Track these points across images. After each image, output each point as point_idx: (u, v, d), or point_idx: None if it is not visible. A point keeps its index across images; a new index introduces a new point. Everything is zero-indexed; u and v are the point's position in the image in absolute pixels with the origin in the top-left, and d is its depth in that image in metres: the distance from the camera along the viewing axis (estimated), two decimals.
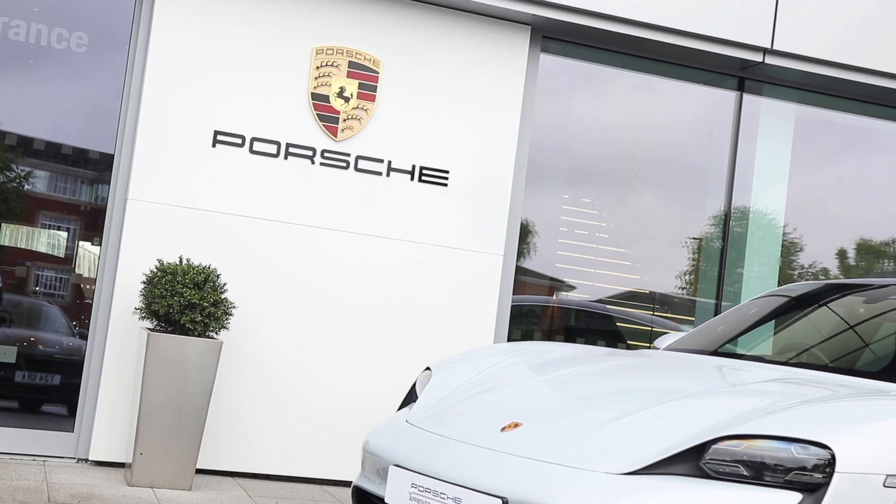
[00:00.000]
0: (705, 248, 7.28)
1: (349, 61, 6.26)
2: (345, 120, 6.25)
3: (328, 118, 6.22)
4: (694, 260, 7.32)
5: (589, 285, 7.18)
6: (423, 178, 6.40)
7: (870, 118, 7.56)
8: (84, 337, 6.04)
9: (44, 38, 5.96)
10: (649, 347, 5.17)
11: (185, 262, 5.60)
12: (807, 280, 7.43)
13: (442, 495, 3.34)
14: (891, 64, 7.01)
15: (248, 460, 6.04)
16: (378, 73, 6.31)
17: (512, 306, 6.72)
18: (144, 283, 5.58)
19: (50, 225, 6.34)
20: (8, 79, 5.99)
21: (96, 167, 6.23)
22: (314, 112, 6.20)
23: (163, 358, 5.36)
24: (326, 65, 6.21)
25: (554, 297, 7.21)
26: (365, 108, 6.29)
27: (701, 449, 3.10)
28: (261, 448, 6.06)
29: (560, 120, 7.14)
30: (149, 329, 5.53)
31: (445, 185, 6.44)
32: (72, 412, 5.96)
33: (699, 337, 4.82)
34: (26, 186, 6.22)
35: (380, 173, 6.32)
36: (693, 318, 7.22)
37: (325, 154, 6.23)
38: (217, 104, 6.04)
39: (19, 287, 6.25)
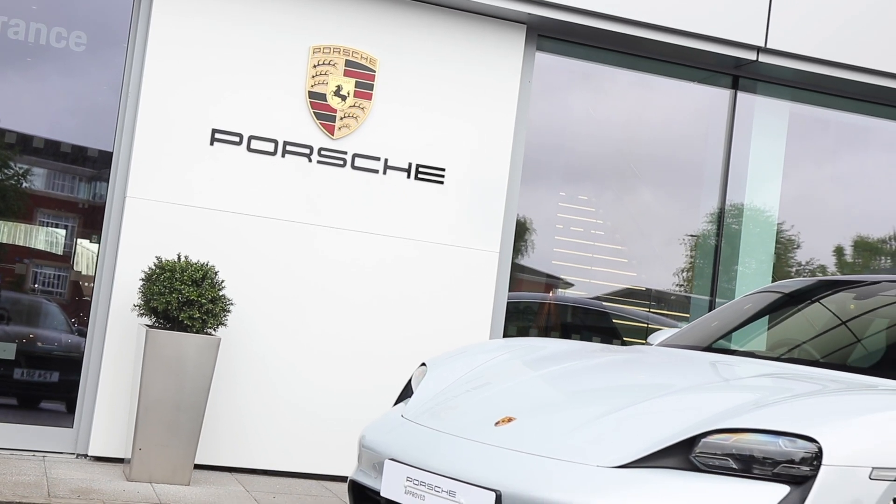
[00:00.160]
0: (700, 246, 7.33)
1: (346, 60, 6.30)
2: (342, 118, 6.29)
3: (325, 116, 6.26)
4: (689, 257, 7.37)
5: (585, 282, 7.22)
6: (420, 175, 6.45)
7: (863, 116, 7.60)
8: (82, 334, 6.07)
9: (43, 36, 6.00)
10: (643, 344, 5.22)
11: (183, 259, 5.64)
12: (804, 276, 7.48)
13: (436, 489, 3.39)
14: (884, 62, 7.05)
15: (245, 456, 6.09)
16: (374, 71, 6.35)
17: (508, 303, 6.76)
18: (143, 280, 5.62)
19: (48, 223, 6.38)
20: (7, 77, 6.02)
21: (95, 165, 6.26)
22: (311, 110, 6.24)
23: (161, 354, 5.40)
24: (323, 63, 6.26)
25: (550, 294, 7.25)
26: (362, 106, 6.33)
27: (691, 442, 3.16)
28: (258, 443, 6.10)
29: (557, 118, 7.18)
30: (147, 326, 5.57)
31: (442, 182, 6.48)
32: (70, 408, 5.99)
33: (692, 333, 4.87)
34: (25, 184, 6.26)
35: (376, 171, 6.36)
36: (688, 315, 7.26)
37: (323, 152, 6.27)
38: (215, 102, 6.08)
39: (18, 284, 6.28)
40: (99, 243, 6.05)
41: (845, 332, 4.72)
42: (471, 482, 3.30)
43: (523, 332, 7.08)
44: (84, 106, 6.27)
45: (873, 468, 3.05)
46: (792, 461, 3.05)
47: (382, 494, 3.61)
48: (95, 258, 6.11)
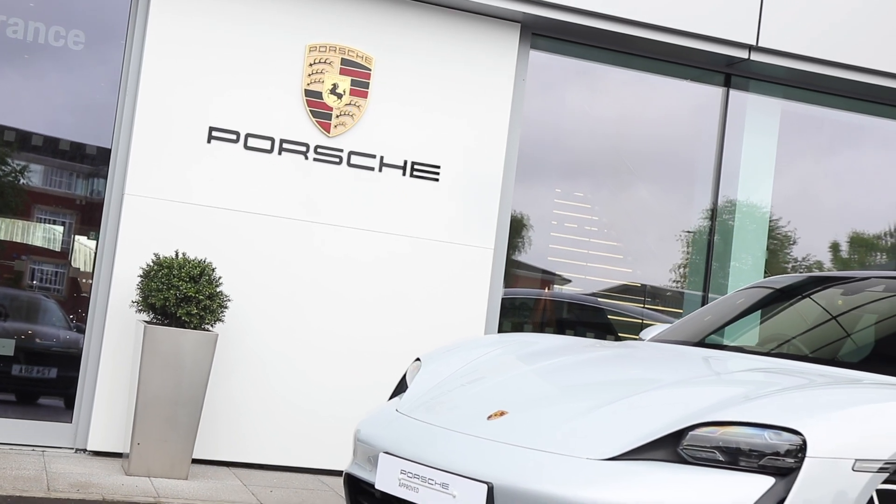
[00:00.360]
0: (694, 242, 7.38)
1: (342, 58, 6.35)
2: (337, 116, 6.34)
3: (321, 114, 6.31)
4: (683, 253, 7.42)
5: (581, 278, 7.26)
6: (415, 173, 6.50)
7: (856, 114, 7.66)
8: (81, 330, 6.12)
9: (41, 35, 6.04)
10: (636, 339, 5.28)
11: (181, 256, 5.69)
12: (800, 272, 7.53)
13: (430, 481, 3.44)
14: (875, 60, 7.11)
15: (243, 450, 6.14)
16: (370, 69, 6.40)
17: (504, 299, 6.81)
18: (141, 276, 5.67)
19: (46, 219, 6.42)
20: (5, 75, 6.06)
21: (93, 162, 6.30)
22: (307, 108, 6.29)
23: (159, 350, 5.45)
24: (319, 62, 6.31)
25: (546, 291, 7.29)
26: (357, 104, 6.38)
27: (679, 435, 3.21)
28: (255, 438, 6.15)
29: (552, 114, 7.22)
30: (145, 322, 5.62)
31: (437, 180, 6.54)
32: (69, 404, 6.03)
33: (683, 328, 4.92)
34: (23, 181, 6.29)
35: (372, 168, 6.41)
36: (681, 310, 7.32)
37: (319, 150, 6.33)
38: (212, 101, 6.13)
39: (16, 281, 6.31)
40: (97, 240, 6.10)
41: (834, 327, 4.78)
42: (463, 475, 3.36)
43: (519, 328, 7.13)
44: (82, 103, 6.31)
45: (856, 460, 3.12)
46: (777, 453, 3.11)
47: (377, 487, 3.66)
48: (93, 255, 6.15)
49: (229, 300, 5.74)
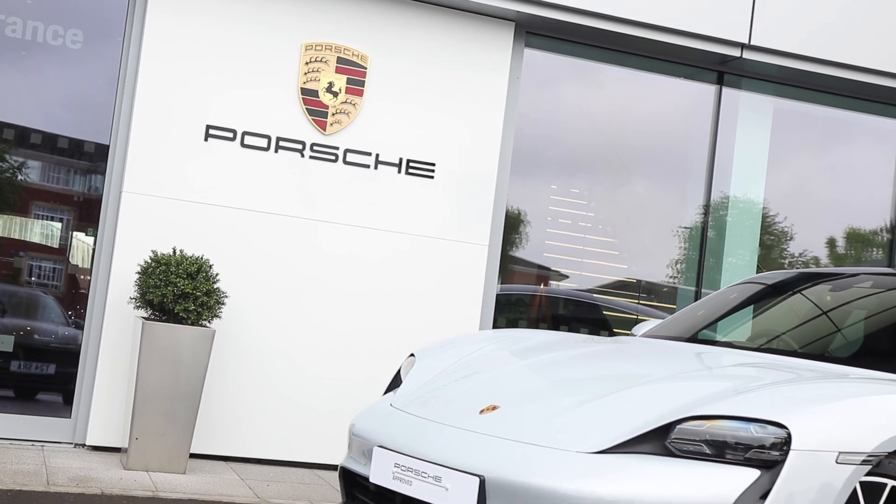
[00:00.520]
0: (688, 238, 7.43)
1: (338, 57, 6.40)
2: (333, 114, 6.39)
3: (317, 112, 6.36)
4: (677, 249, 7.47)
5: (577, 274, 7.31)
6: (410, 170, 6.55)
7: (848, 111, 7.71)
8: (79, 326, 6.15)
9: (40, 34, 6.07)
10: (629, 335, 5.33)
11: (178, 252, 5.74)
12: (796, 268, 7.58)
13: (423, 474, 3.50)
14: (866, 59, 7.15)
15: (240, 445, 6.19)
16: (366, 68, 6.45)
17: (500, 295, 6.85)
18: (139, 273, 5.71)
19: (44, 216, 6.45)
20: (4, 72, 6.10)
21: (91, 159, 6.34)
22: (303, 106, 6.34)
23: (157, 346, 5.50)
24: (315, 60, 6.35)
25: (541, 287, 7.34)
26: (353, 102, 6.43)
27: (667, 429, 3.27)
28: (252, 433, 6.20)
29: (547, 111, 7.26)
30: (143, 318, 5.67)
31: (432, 177, 6.59)
32: (67, 400, 6.06)
33: (675, 324, 4.98)
34: (21, 177, 6.32)
35: (367, 166, 6.46)
36: (675, 306, 7.36)
37: (315, 147, 6.37)
38: (209, 99, 6.17)
39: (14, 277, 6.35)
40: (95, 237, 6.14)
41: (824, 323, 4.83)
42: (456, 468, 3.41)
43: (514, 324, 7.16)
44: (80, 100, 6.34)
45: (840, 453, 3.18)
46: (763, 446, 3.17)
47: (371, 480, 3.71)
48: (91, 251, 6.19)
49: (226, 296, 5.79)
